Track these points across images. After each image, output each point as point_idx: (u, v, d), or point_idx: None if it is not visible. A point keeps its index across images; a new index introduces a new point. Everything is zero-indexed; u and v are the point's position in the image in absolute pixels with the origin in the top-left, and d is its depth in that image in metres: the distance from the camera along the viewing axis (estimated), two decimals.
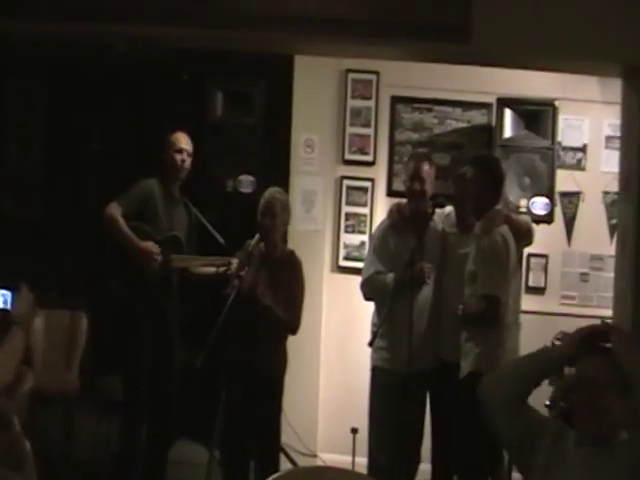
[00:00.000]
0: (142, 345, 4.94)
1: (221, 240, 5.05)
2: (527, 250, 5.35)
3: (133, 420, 5.00)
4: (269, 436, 4.88)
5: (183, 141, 5.10)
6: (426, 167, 4.91)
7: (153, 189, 5.03)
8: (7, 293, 2.98)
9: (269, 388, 4.82)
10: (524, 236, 4.87)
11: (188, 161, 5.10)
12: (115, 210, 4.87)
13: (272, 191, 4.91)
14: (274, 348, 4.82)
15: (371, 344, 4.78)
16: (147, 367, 5.00)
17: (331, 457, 5.59)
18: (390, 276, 4.79)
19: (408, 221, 4.92)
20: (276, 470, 4.84)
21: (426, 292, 4.87)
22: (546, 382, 5.08)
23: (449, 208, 5.05)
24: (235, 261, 4.81)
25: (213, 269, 4.94)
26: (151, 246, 4.88)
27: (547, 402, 4.75)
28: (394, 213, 5.00)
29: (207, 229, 5.14)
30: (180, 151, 5.06)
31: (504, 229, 4.59)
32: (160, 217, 5.01)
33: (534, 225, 5.15)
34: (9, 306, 2.94)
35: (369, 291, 4.95)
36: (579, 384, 2.81)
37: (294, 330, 4.84)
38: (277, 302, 4.74)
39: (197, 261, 5.07)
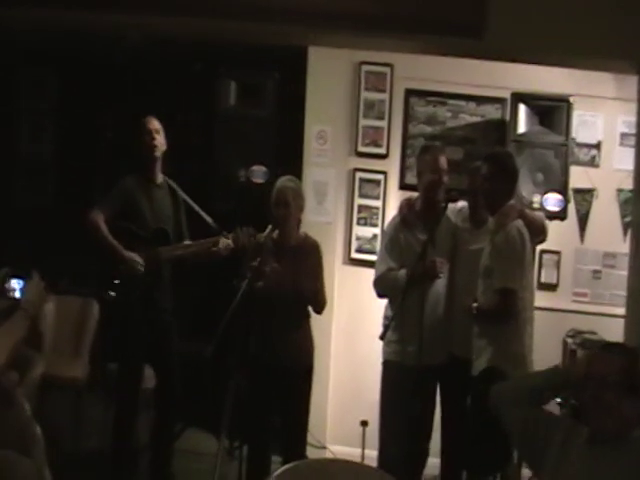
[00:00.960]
0: (135, 338, 4.94)
1: (209, 220, 5.05)
2: (540, 246, 5.35)
3: (124, 410, 4.99)
4: (297, 429, 4.86)
5: (152, 122, 5.08)
6: (443, 159, 4.90)
7: (133, 185, 5.02)
8: (20, 282, 2.95)
9: (296, 378, 4.80)
10: (538, 232, 4.85)
11: (160, 140, 5.06)
12: (97, 217, 4.87)
13: (284, 180, 4.90)
14: (298, 334, 4.81)
15: (382, 337, 4.77)
16: (141, 359, 5.00)
17: (340, 449, 5.59)
18: (402, 272, 4.77)
19: (419, 215, 4.90)
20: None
21: (438, 287, 4.85)
22: None
23: (461, 203, 5.04)
24: (223, 240, 4.84)
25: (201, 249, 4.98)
26: (134, 256, 4.88)
27: (558, 400, 4.75)
28: (404, 208, 4.98)
29: (195, 210, 5.13)
30: (150, 132, 5.04)
31: (519, 223, 4.57)
32: (143, 212, 5.00)
33: (547, 221, 5.15)
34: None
35: (382, 288, 4.94)
36: (588, 381, 2.81)
37: (321, 308, 4.84)
38: (300, 288, 4.74)
39: (185, 248, 5.06)
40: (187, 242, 5.15)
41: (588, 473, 2.78)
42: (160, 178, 5.16)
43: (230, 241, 4.92)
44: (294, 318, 4.79)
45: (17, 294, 3.20)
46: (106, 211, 4.91)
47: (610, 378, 2.75)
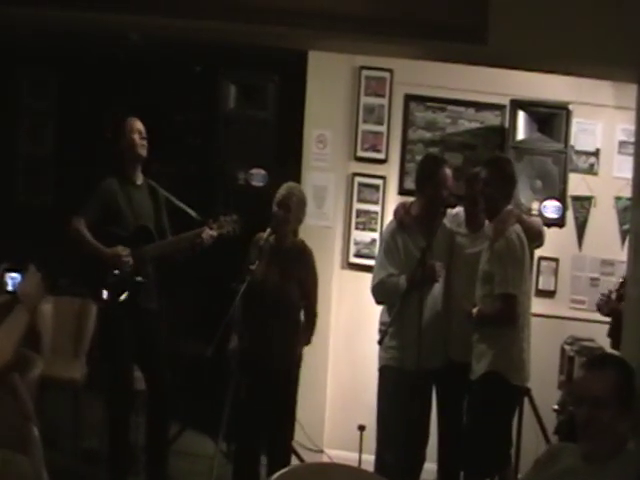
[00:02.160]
0: (120, 339, 4.90)
1: (193, 213, 5.04)
2: (538, 253, 5.37)
3: (117, 411, 4.97)
4: (283, 431, 4.88)
5: (137, 123, 5.05)
6: (449, 173, 4.90)
7: (112, 188, 4.97)
8: (17, 276, 2.92)
9: (284, 381, 4.83)
10: (535, 237, 4.87)
11: (145, 145, 5.03)
12: (78, 223, 4.84)
13: (291, 185, 4.94)
14: (290, 340, 4.82)
15: (380, 342, 4.77)
16: (128, 360, 4.98)
17: (337, 454, 5.59)
18: (403, 278, 4.77)
19: (417, 220, 4.90)
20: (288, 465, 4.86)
21: (435, 292, 4.86)
22: (555, 386, 5.14)
23: (457, 208, 5.04)
24: (206, 231, 4.85)
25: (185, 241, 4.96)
26: (118, 250, 4.86)
27: (555, 406, 4.77)
28: (400, 211, 4.98)
29: (178, 207, 5.11)
30: (137, 132, 5.01)
31: (518, 229, 4.58)
32: (124, 214, 4.95)
33: (545, 228, 5.16)
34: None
35: (380, 295, 4.92)
36: (581, 401, 2.78)
37: (313, 315, 4.89)
38: (291, 292, 4.75)
39: (169, 244, 5.04)
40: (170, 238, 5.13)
41: None
42: (140, 179, 5.12)
43: (214, 231, 4.91)
44: (281, 322, 4.79)
45: (10, 287, 3.16)
46: (87, 216, 4.87)
47: (602, 398, 2.71)
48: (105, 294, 4.85)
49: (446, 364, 4.86)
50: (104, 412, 5.08)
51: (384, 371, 4.90)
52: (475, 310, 4.58)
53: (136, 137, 4.97)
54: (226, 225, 4.95)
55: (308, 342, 4.97)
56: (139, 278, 4.86)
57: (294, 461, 5.25)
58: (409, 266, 4.73)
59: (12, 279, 4.24)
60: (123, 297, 4.81)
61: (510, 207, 4.70)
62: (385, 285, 4.86)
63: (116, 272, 4.84)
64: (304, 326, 4.93)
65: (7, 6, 5.14)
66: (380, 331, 4.88)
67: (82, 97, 6.79)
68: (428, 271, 4.65)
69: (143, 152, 5.01)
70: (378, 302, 4.98)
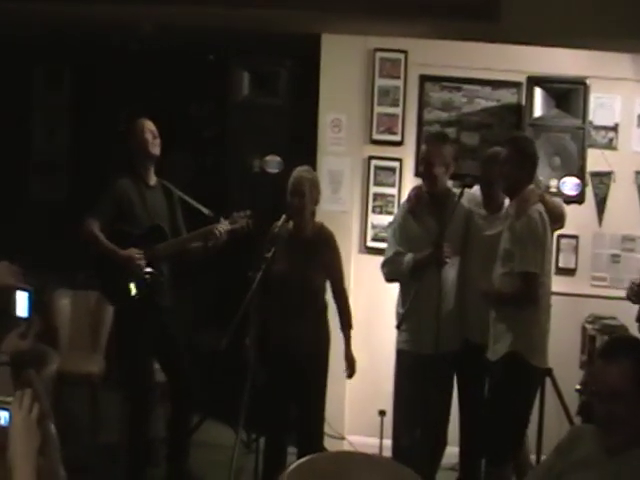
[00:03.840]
0: (138, 337, 4.91)
1: (206, 211, 5.03)
2: (557, 231, 5.29)
3: (138, 406, 4.99)
4: (314, 419, 4.85)
5: (149, 123, 5.03)
6: (436, 149, 4.80)
7: (125, 188, 4.96)
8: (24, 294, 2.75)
9: (316, 367, 4.80)
10: (556, 219, 4.79)
11: (158, 144, 5.03)
12: (92, 225, 4.84)
13: (300, 170, 4.88)
14: (315, 325, 4.81)
15: (399, 327, 4.75)
16: (147, 356, 4.99)
17: (359, 439, 5.59)
18: (409, 256, 4.74)
19: (428, 204, 4.85)
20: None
21: (452, 273, 4.80)
22: (577, 366, 5.10)
23: (475, 188, 4.99)
24: (219, 226, 4.84)
25: (200, 244, 4.96)
26: (131, 252, 4.86)
27: (577, 386, 4.72)
28: (412, 199, 4.92)
29: (191, 205, 5.10)
30: (150, 132, 5.00)
31: (540, 207, 4.51)
32: (138, 214, 4.95)
33: (565, 205, 5.09)
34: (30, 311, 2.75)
35: (388, 272, 4.91)
36: (598, 394, 2.70)
37: (344, 298, 4.89)
38: (317, 278, 4.75)
39: (182, 242, 5.04)
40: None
41: None
42: (154, 180, 5.12)
43: (226, 225, 4.91)
44: (307, 309, 4.77)
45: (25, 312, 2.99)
46: (100, 217, 4.87)
47: (619, 391, 2.63)
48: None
49: (464, 346, 4.83)
50: (122, 407, 5.09)
51: (400, 354, 4.89)
52: (490, 289, 4.52)
53: (148, 137, 4.97)
54: (240, 220, 4.94)
55: (350, 325, 4.92)
56: (149, 269, 4.87)
57: None
58: (418, 249, 4.72)
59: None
60: (134, 292, 4.83)
61: (532, 186, 4.64)
62: (391, 263, 4.85)
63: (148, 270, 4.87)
64: (341, 310, 4.88)
65: (22, 2, 5.19)
66: (397, 314, 4.87)
67: (96, 92, 6.81)
68: (435, 252, 4.59)
69: (155, 151, 5.00)
70: (388, 280, 4.96)
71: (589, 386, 4.32)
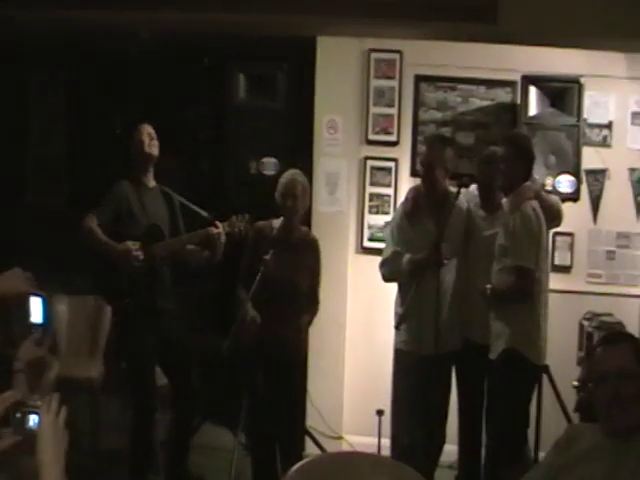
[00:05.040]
0: (138, 340, 4.92)
1: (204, 214, 5.05)
2: (555, 228, 5.32)
3: (140, 411, 4.99)
4: (293, 418, 4.88)
5: (148, 127, 5.05)
6: (437, 152, 4.80)
7: (125, 190, 4.98)
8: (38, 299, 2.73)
9: (294, 370, 4.83)
10: (553, 217, 4.83)
11: (156, 147, 5.06)
12: (91, 221, 4.87)
13: (293, 173, 4.87)
14: (298, 329, 4.82)
15: (397, 327, 4.78)
16: (148, 360, 4.99)
17: (357, 439, 5.60)
18: (407, 256, 4.76)
19: (426, 205, 4.86)
20: (300, 453, 4.88)
21: (451, 273, 4.82)
22: (574, 363, 5.13)
23: (472, 187, 5.01)
24: (214, 229, 4.87)
25: (197, 248, 4.98)
26: (128, 244, 4.87)
27: (575, 383, 4.75)
28: (410, 201, 4.91)
29: (190, 209, 5.12)
30: (148, 135, 5.02)
31: (535, 203, 4.54)
32: (136, 215, 4.96)
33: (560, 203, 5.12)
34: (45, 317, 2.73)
35: (387, 272, 4.92)
36: (604, 377, 2.72)
37: (315, 306, 4.86)
38: (302, 282, 4.76)
39: (179, 242, 5.05)
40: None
41: (615, 470, 2.69)
42: (152, 183, 5.13)
43: (225, 229, 4.93)
44: (289, 311, 4.75)
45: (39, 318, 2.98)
46: (100, 216, 4.89)
47: (626, 369, 2.68)
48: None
49: (465, 345, 4.86)
50: (123, 412, 5.08)
51: (398, 354, 4.90)
52: (489, 286, 4.55)
53: (145, 139, 4.99)
54: (237, 224, 4.96)
55: (311, 320, 4.91)
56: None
57: (313, 449, 5.30)
58: (415, 249, 4.74)
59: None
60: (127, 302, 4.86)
61: (528, 183, 4.67)
62: (388, 262, 4.87)
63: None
64: (308, 310, 4.86)
65: (20, 8, 5.20)
66: (396, 314, 4.90)
67: (93, 96, 6.81)
68: (433, 253, 4.61)
69: (154, 151, 5.02)
70: (386, 280, 4.97)
71: (587, 381, 4.34)
